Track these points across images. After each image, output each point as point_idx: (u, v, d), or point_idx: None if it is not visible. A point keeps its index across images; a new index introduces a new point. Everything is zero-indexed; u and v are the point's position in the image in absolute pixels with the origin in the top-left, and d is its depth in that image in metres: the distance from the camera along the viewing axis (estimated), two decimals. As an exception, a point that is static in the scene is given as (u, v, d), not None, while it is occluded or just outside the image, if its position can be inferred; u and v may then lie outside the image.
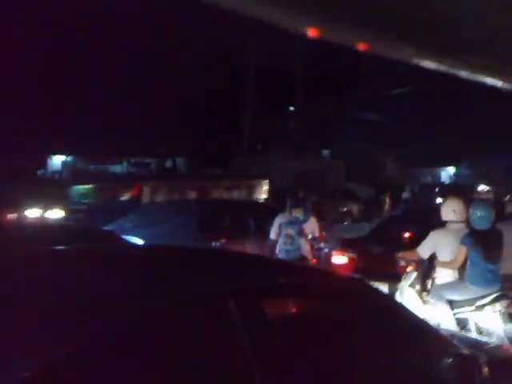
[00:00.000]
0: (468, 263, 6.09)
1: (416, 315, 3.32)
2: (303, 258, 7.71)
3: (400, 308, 3.39)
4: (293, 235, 7.67)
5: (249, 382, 2.18)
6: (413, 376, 2.84)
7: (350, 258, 8.48)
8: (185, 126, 25.30)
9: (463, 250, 6.09)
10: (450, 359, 2.81)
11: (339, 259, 8.51)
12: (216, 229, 9.67)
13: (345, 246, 8.91)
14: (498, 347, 4.37)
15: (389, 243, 8.54)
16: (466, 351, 3.03)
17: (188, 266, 2.66)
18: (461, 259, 6.12)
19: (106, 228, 10.09)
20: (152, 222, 10.12)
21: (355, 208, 20.19)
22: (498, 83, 1.98)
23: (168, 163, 27.88)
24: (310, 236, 8.03)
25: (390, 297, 5.25)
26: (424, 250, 6.40)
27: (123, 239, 7.17)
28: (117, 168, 25.86)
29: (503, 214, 7.06)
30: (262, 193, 21.37)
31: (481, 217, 6.10)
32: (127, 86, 22.60)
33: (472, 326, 5.96)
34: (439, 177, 42.19)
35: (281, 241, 7.71)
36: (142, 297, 2.23)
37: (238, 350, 2.21)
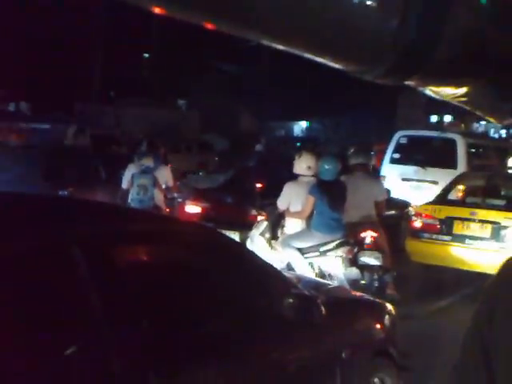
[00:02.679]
0: (314, 212, 6.40)
1: (263, 261, 3.46)
2: (156, 207, 7.67)
3: (248, 254, 3.51)
4: (146, 185, 7.58)
5: (94, 328, 2.17)
6: (259, 315, 2.98)
7: (203, 208, 8.58)
8: (30, 70, 23.70)
9: (311, 199, 6.38)
10: (291, 299, 2.98)
11: (192, 209, 8.58)
12: (63, 177, 9.20)
13: (198, 196, 8.99)
14: (338, 289, 4.70)
15: (241, 194, 8.73)
16: (306, 292, 3.22)
17: (30, 213, 2.55)
18: (308, 209, 6.42)
19: None
20: None
21: (210, 159, 20.29)
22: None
23: (11, 107, 25.93)
24: (164, 186, 7.98)
25: (240, 244, 5.40)
26: (282, 203, 6.64)
27: None
28: None
29: (347, 167, 7.44)
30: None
31: (328, 169, 6.41)
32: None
33: (316, 270, 6.33)
34: (292, 130, 43.65)
35: (133, 191, 7.58)
36: None
37: (82, 293, 2.19)
